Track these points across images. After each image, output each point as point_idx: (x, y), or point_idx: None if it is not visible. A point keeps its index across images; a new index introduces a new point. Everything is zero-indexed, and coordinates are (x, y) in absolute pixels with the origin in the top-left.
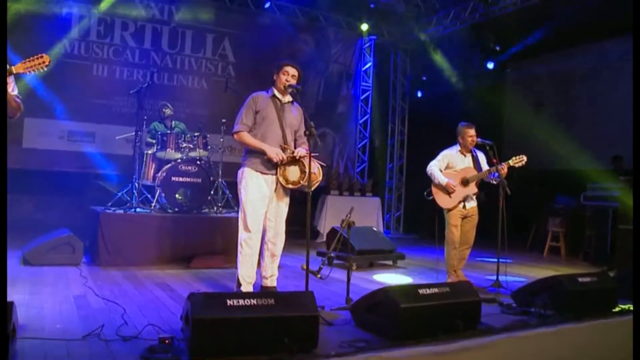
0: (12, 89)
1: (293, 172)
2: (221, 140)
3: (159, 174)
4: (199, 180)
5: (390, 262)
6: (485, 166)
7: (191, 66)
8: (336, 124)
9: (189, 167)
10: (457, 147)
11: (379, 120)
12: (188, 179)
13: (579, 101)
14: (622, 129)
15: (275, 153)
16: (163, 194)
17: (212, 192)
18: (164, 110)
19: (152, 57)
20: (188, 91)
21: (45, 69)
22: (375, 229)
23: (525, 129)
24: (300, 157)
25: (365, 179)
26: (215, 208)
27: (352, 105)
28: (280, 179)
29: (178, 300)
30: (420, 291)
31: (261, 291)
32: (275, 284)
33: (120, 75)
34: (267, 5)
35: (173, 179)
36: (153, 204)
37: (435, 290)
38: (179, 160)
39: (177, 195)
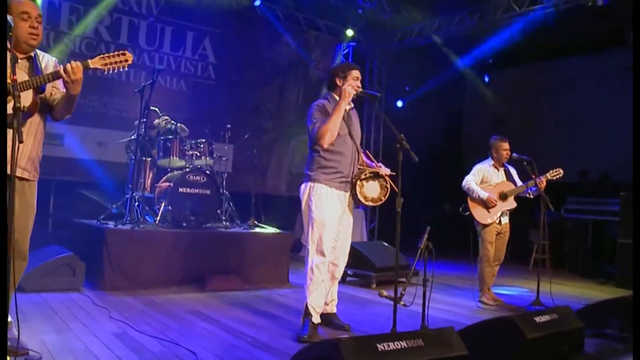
0: (62, 87)
1: (372, 188)
2: (225, 148)
3: (162, 184)
4: (208, 191)
5: (405, 280)
6: (517, 180)
7: (170, 65)
8: None
9: (198, 177)
10: (489, 161)
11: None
12: (196, 191)
13: (542, 116)
14: (586, 144)
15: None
16: (169, 207)
17: (222, 205)
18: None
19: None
20: (166, 92)
21: (127, 68)
22: (385, 244)
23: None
24: (384, 174)
25: None
26: (223, 222)
27: None
28: (359, 196)
29: (233, 332)
30: (537, 319)
31: (407, 332)
32: (335, 310)
33: (93, 72)
34: (258, 3)
35: (180, 190)
36: (158, 219)
37: (548, 317)
38: (188, 170)
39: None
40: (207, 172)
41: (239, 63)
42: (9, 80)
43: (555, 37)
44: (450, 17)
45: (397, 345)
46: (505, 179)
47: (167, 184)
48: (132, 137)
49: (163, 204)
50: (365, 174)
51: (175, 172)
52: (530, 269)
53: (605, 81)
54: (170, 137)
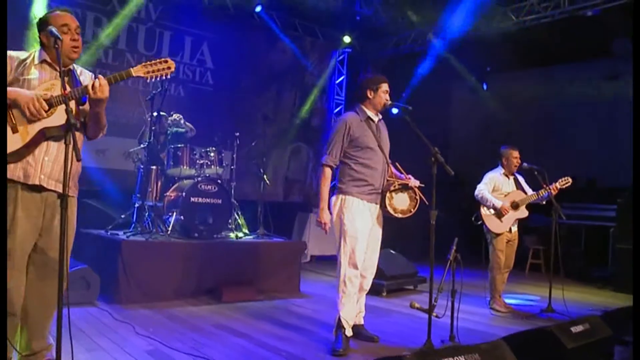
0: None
1: (402, 200)
2: (233, 157)
3: (171, 194)
4: (220, 201)
5: (412, 287)
6: (527, 188)
7: None
8: (310, 138)
9: (209, 187)
10: (500, 170)
11: None
12: (208, 200)
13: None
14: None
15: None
16: (181, 217)
17: (232, 215)
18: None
19: (126, 58)
20: (164, 98)
21: (169, 76)
22: (392, 251)
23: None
24: (414, 186)
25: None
26: (234, 232)
27: (326, 119)
28: (388, 207)
29: (267, 347)
30: (573, 329)
31: (463, 346)
32: (362, 322)
33: (91, 77)
34: (259, 9)
35: (192, 199)
36: (170, 229)
37: (581, 327)
38: (200, 179)
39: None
40: (219, 181)
41: (237, 68)
42: (52, 93)
43: (544, 45)
44: (446, 25)
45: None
46: (515, 187)
47: (178, 193)
48: (142, 146)
49: (174, 213)
50: (395, 186)
51: (185, 181)
52: (527, 274)
53: (591, 90)
54: (180, 145)
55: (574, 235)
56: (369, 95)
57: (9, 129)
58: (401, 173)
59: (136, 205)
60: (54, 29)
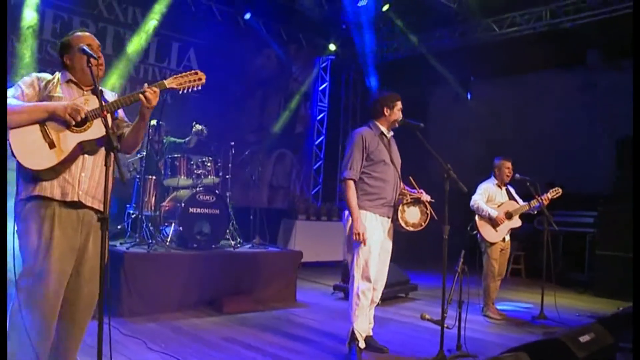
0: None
1: (413, 214)
2: (229, 166)
3: (168, 204)
4: (217, 211)
5: (404, 295)
6: (518, 199)
7: (155, 77)
8: (294, 145)
9: (207, 197)
10: (493, 180)
11: (333, 142)
12: (207, 210)
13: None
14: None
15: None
16: (180, 227)
17: (230, 225)
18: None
19: (112, 64)
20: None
21: (200, 88)
22: None
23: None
24: (426, 200)
25: (320, 202)
26: (231, 242)
27: (309, 125)
28: (400, 221)
29: None
30: (581, 339)
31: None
32: (371, 333)
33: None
34: (248, 16)
35: (191, 210)
36: (168, 239)
37: (587, 337)
38: (198, 190)
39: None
40: (217, 191)
41: (224, 75)
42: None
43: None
44: (430, 34)
45: None
46: (508, 198)
47: (175, 203)
48: (139, 156)
49: (173, 224)
50: (407, 200)
51: (182, 192)
52: (508, 278)
53: (566, 98)
54: (177, 155)
55: (552, 242)
56: (385, 112)
57: (45, 145)
58: (414, 188)
59: (132, 215)
60: (86, 47)
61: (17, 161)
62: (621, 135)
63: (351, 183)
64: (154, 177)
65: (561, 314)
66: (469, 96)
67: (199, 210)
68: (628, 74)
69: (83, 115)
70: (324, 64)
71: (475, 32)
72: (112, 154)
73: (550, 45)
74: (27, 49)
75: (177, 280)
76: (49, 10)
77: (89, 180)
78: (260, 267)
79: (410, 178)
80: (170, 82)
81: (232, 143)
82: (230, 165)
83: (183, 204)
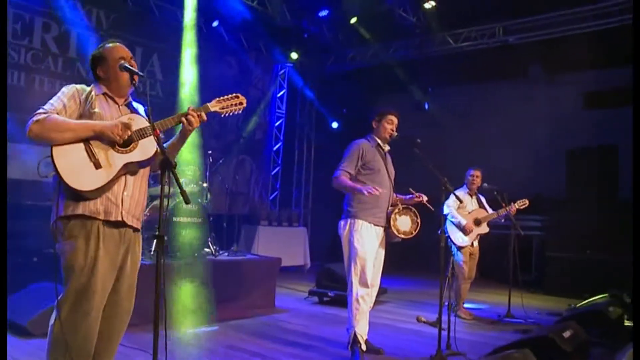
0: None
1: (404, 222)
2: (206, 174)
3: (150, 212)
4: (200, 220)
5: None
6: (487, 207)
7: None
8: (254, 151)
9: (190, 206)
10: (465, 189)
11: (290, 148)
12: (189, 219)
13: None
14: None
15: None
16: (165, 237)
17: (211, 233)
18: None
19: (77, 67)
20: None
21: (241, 111)
22: None
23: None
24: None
25: (278, 207)
26: (212, 250)
27: (268, 132)
28: (393, 229)
29: None
30: (564, 335)
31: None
32: (366, 336)
33: (40, 86)
34: (216, 24)
35: (175, 219)
36: (153, 249)
37: (568, 333)
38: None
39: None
40: (199, 200)
41: (185, 80)
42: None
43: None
44: (390, 45)
45: None
46: (478, 206)
47: (165, 213)
48: None
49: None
50: (399, 208)
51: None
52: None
53: (514, 108)
54: None
55: (502, 244)
56: (373, 125)
57: (90, 165)
58: (412, 194)
59: None
60: (128, 65)
61: (59, 179)
62: (570, 146)
63: (342, 173)
64: None
65: (519, 312)
66: (426, 106)
67: (182, 219)
68: (568, 88)
69: (129, 133)
70: (282, 71)
71: (433, 45)
72: (168, 173)
73: (500, 58)
74: None
75: (166, 289)
76: (9, 10)
77: (129, 199)
78: (242, 274)
79: (410, 189)
80: (213, 106)
81: (210, 152)
82: (207, 173)
83: (167, 213)
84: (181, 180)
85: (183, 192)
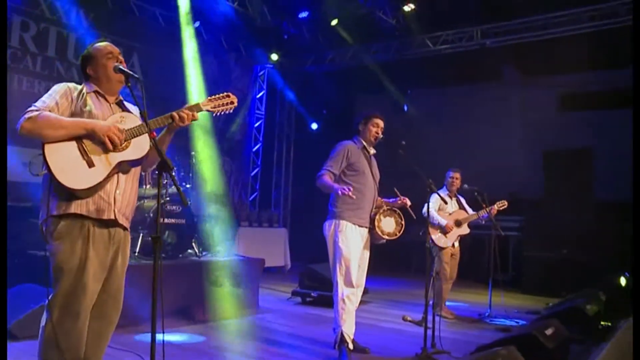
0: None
1: (389, 224)
2: (190, 176)
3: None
4: (183, 221)
5: None
6: (468, 208)
7: None
8: (233, 152)
9: (174, 207)
10: (445, 191)
11: (270, 149)
12: (173, 221)
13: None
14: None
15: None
16: (149, 238)
17: (195, 233)
18: None
19: (56, 67)
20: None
21: (232, 111)
22: None
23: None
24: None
25: (257, 208)
26: (195, 251)
27: (247, 133)
28: (377, 230)
29: None
30: (546, 332)
31: (485, 355)
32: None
33: (19, 86)
34: (197, 24)
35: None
36: (137, 250)
37: (550, 330)
38: (166, 199)
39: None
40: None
41: (165, 80)
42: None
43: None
44: (369, 47)
45: None
46: (458, 207)
47: (143, 213)
48: None
49: (141, 235)
50: (384, 209)
51: (147, 202)
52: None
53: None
54: None
55: (479, 244)
56: (359, 128)
57: (83, 163)
58: (397, 196)
59: None
60: (122, 67)
61: (51, 177)
62: (546, 147)
63: (326, 173)
64: None
65: (498, 311)
66: (405, 108)
67: (167, 220)
68: (544, 91)
69: (122, 140)
70: (261, 72)
71: (412, 47)
72: (164, 174)
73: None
74: None
75: (148, 291)
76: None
77: (122, 198)
78: (226, 274)
79: (395, 189)
80: (205, 105)
81: (192, 152)
82: (191, 175)
83: (152, 214)
84: (164, 181)
85: (182, 196)
